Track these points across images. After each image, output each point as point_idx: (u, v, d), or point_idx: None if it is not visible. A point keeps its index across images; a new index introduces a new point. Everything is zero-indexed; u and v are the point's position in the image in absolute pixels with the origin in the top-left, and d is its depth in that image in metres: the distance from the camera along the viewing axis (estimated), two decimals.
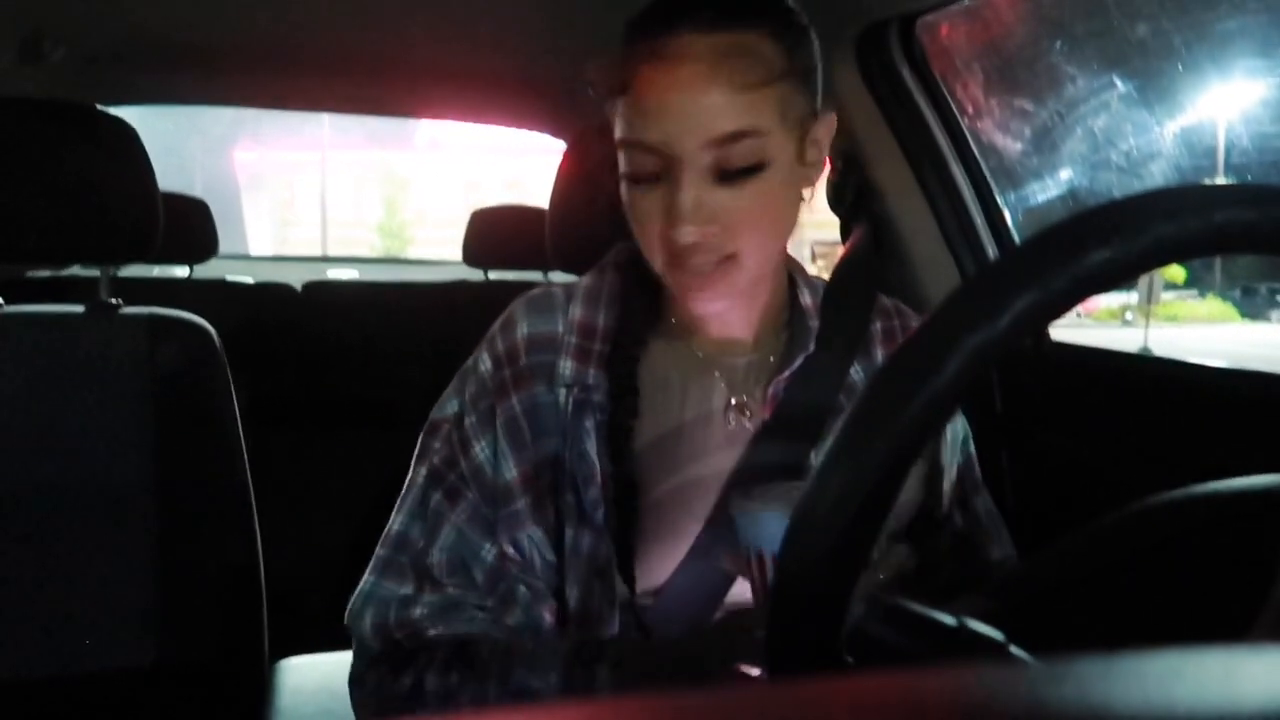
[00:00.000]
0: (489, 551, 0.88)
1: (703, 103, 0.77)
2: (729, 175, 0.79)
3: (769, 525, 0.66)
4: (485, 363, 0.91)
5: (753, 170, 0.79)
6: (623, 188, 0.84)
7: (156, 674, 1.16)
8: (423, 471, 0.91)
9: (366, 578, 0.90)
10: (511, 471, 0.88)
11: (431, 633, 0.87)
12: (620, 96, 0.81)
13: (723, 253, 0.81)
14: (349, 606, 0.90)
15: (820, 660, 0.45)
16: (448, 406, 0.93)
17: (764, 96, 0.78)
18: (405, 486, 0.93)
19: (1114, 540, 0.60)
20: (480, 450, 0.89)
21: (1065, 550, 0.62)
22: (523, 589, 0.88)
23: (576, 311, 0.92)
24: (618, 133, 0.82)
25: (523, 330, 0.91)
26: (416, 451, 0.93)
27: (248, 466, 1.25)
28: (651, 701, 0.20)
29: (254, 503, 1.25)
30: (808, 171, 0.86)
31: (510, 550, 0.88)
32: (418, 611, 0.87)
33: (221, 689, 1.20)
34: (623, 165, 0.83)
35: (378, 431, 1.90)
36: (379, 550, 0.91)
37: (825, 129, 0.87)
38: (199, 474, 1.22)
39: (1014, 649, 0.44)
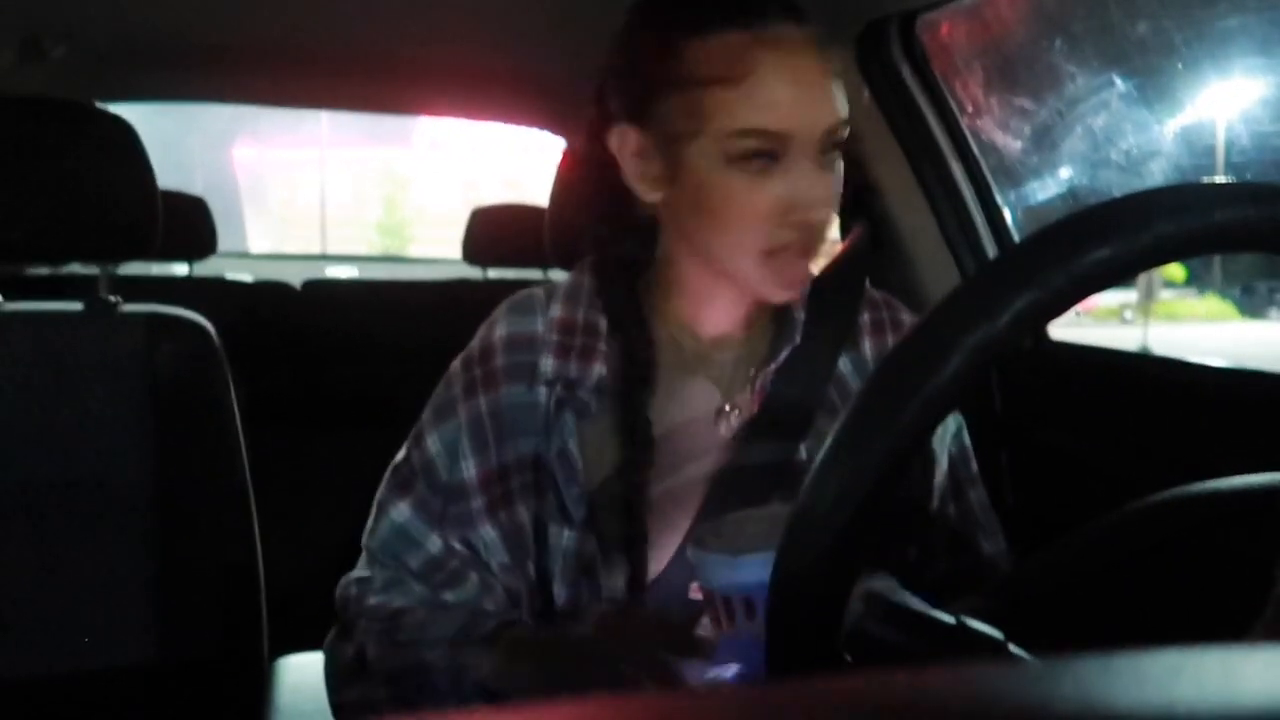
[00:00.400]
0: (433, 543, 0.90)
1: (825, 90, 0.81)
2: (830, 159, 0.83)
3: (720, 569, 0.66)
4: (456, 363, 0.93)
5: (838, 154, 0.84)
6: (712, 180, 0.81)
7: (156, 673, 1.16)
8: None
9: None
10: (470, 471, 0.89)
11: (371, 601, 0.89)
12: (728, 86, 0.79)
13: (822, 239, 0.85)
14: None
15: (819, 659, 0.45)
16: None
17: (840, 84, 0.83)
18: None
19: (1113, 539, 0.60)
20: (432, 444, 0.90)
21: (1064, 549, 0.62)
22: (473, 577, 0.90)
23: (557, 310, 0.92)
24: (724, 123, 0.79)
25: (501, 331, 0.91)
26: None
27: (247, 465, 1.25)
28: (652, 702, 0.20)
29: (253, 501, 1.25)
30: None
31: (459, 547, 0.89)
32: (368, 586, 0.91)
33: (221, 688, 1.20)
34: (724, 155, 0.80)
35: (377, 430, 1.90)
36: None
37: None
38: (198, 472, 1.22)
39: (1013, 647, 0.44)
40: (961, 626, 0.44)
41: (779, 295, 0.87)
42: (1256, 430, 0.99)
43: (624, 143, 0.85)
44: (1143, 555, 0.58)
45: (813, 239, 0.84)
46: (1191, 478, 0.60)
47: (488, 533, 0.88)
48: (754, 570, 0.59)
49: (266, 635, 1.25)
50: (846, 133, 0.83)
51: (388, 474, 0.94)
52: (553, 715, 0.20)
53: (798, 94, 0.79)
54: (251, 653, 1.23)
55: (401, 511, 0.90)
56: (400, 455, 0.94)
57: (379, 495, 0.93)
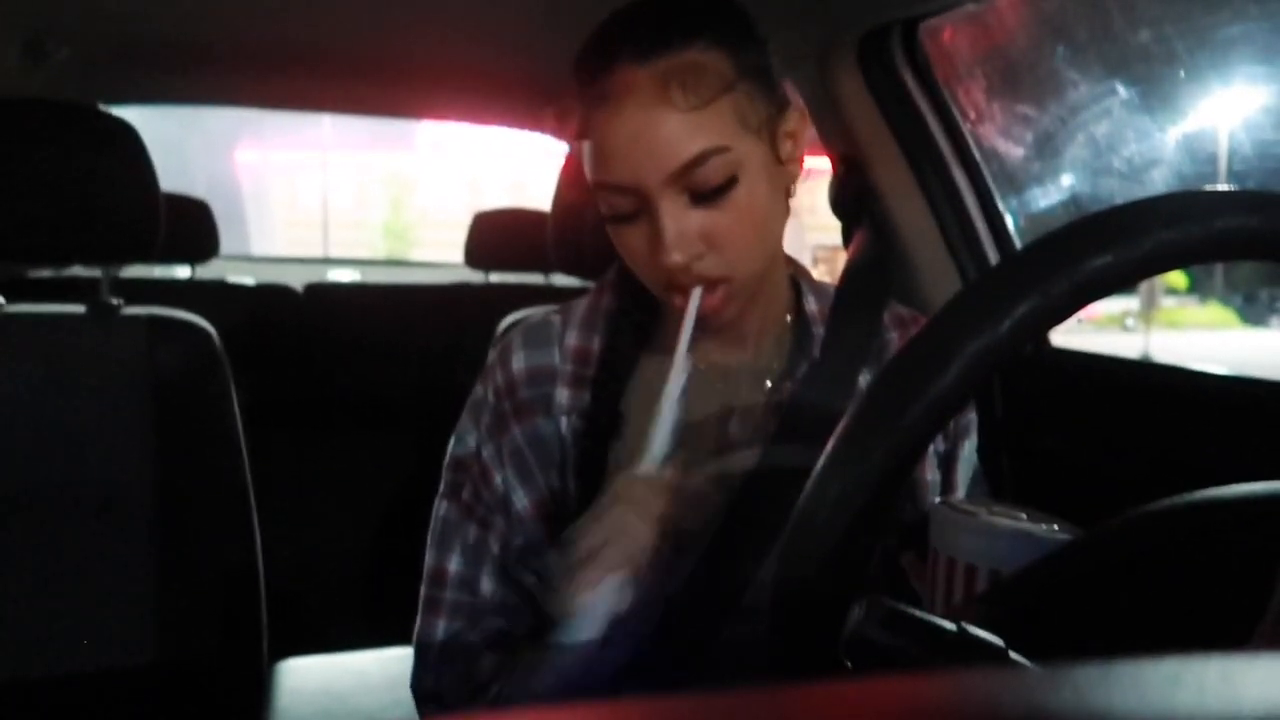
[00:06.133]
0: (524, 577, 0.90)
1: (658, 134, 0.75)
2: (703, 197, 0.78)
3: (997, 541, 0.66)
4: (490, 395, 0.92)
5: (726, 187, 0.78)
6: (608, 225, 0.83)
7: (155, 674, 1.16)
8: (454, 508, 0.92)
9: (419, 620, 0.92)
10: (523, 501, 0.89)
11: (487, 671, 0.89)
12: (582, 141, 0.80)
13: (716, 274, 0.80)
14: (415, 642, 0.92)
15: (819, 664, 0.45)
16: (467, 440, 0.93)
17: (718, 110, 0.76)
18: (433, 521, 0.93)
19: (1114, 546, 0.60)
20: (500, 482, 0.90)
21: (1065, 556, 0.62)
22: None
23: (572, 338, 0.92)
24: (588, 176, 0.81)
25: (519, 363, 0.91)
26: (441, 487, 0.94)
27: (248, 467, 1.25)
28: (652, 702, 0.20)
29: (254, 504, 1.25)
30: (787, 169, 0.84)
31: (533, 580, 0.89)
32: (480, 662, 0.89)
33: (220, 689, 1.20)
34: (601, 206, 0.82)
35: (378, 432, 1.90)
36: (424, 590, 0.92)
37: (796, 121, 0.84)
38: (199, 474, 1.22)
39: (1013, 654, 0.44)
40: (962, 632, 0.44)
41: (707, 327, 0.84)
42: (1258, 438, 0.99)
43: None
44: (1143, 563, 0.58)
45: (694, 278, 0.80)
46: (1193, 485, 0.60)
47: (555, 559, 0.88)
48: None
49: (266, 637, 1.25)
50: (718, 164, 0.76)
51: (458, 520, 0.92)
52: (553, 716, 0.20)
53: (626, 144, 0.76)
54: (251, 655, 1.23)
55: (497, 551, 0.91)
56: (465, 497, 0.92)
57: (471, 543, 0.91)
